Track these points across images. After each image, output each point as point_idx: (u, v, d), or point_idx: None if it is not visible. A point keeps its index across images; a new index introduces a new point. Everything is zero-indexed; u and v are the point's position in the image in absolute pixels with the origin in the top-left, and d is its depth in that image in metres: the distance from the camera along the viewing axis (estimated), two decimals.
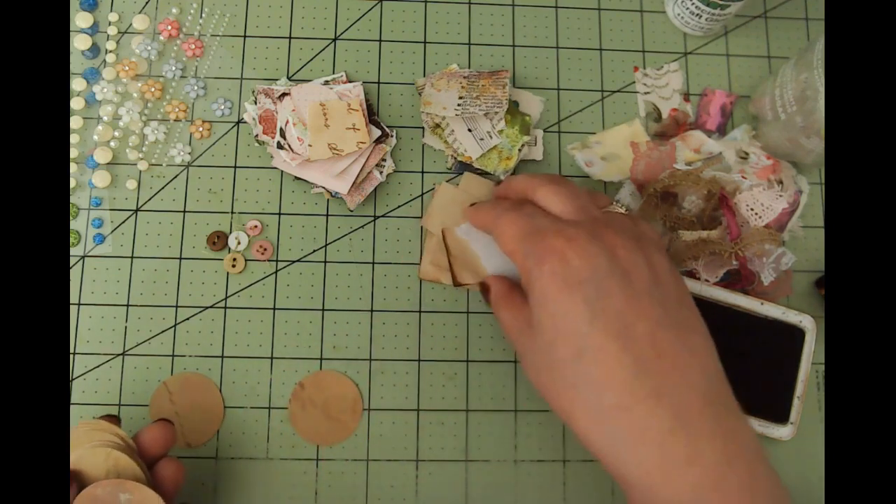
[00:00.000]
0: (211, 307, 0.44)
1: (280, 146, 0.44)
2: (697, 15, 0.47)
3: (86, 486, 0.33)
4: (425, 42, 0.49)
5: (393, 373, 0.44)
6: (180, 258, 0.45)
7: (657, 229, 0.45)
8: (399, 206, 0.46)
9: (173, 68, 0.47)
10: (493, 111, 0.45)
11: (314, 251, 0.45)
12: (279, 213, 0.46)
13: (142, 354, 0.44)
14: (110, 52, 0.47)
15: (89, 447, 0.34)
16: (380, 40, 0.48)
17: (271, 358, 0.44)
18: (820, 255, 0.47)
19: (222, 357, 0.44)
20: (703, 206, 0.45)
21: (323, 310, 0.45)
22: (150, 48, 0.47)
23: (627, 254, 0.33)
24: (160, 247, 0.45)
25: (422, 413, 0.44)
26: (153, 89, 0.46)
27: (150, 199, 0.45)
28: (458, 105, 0.45)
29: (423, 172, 0.47)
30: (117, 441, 0.34)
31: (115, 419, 0.36)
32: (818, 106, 0.41)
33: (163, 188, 0.46)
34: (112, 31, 0.47)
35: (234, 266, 0.45)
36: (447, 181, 0.47)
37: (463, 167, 0.46)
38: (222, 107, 0.47)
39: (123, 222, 0.45)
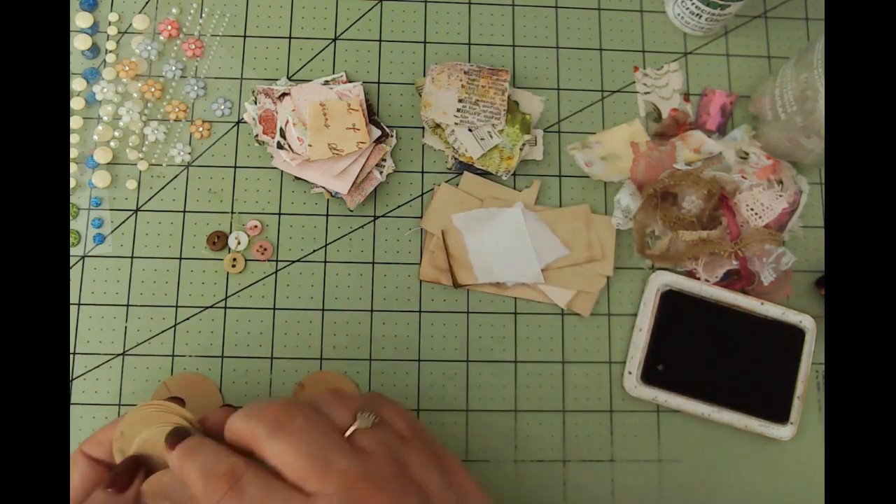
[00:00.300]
0: (211, 307, 0.44)
1: (280, 146, 0.44)
2: (697, 15, 0.47)
3: (153, 471, 0.31)
4: (425, 42, 0.49)
5: (393, 373, 0.44)
6: (180, 258, 0.45)
7: (660, 227, 0.45)
8: (399, 206, 0.46)
9: (173, 68, 0.47)
10: (491, 122, 0.45)
11: (314, 251, 0.45)
12: (279, 213, 0.46)
13: (142, 354, 0.44)
14: (110, 52, 0.47)
15: (158, 428, 0.31)
16: (380, 40, 0.48)
17: (271, 358, 0.44)
18: (820, 255, 0.47)
19: (222, 357, 0.44)
20: (703, 206, 0.45)
21: (323, 310, 0.45)
22: (150, 48, 0.47)
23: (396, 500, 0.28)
24: (160, 247, 0.45)
25: (422, 413, 0.44)
26: (153, 89, 0.46)
27: (150, 199, 0.45)
28: (458, 112, 0.45)
29: (423, 172, 0.47)
30: (185, 424, 0.32)
31: (180, 402, 0.34)
32: (818, 106, 0.41)
33: (163, 188, 0.46)
34: (112, 31, 0.47)
35: (234, 266, 0.45)
36: (447, 181, 0.47)
37: (463, 167, 0.47)
38: (222, 107, 0.47)
39: (123, 222, 0.45)
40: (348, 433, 0.30)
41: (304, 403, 0.31)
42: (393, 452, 0.30)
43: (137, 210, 0.45)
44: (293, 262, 0.45)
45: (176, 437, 0.31)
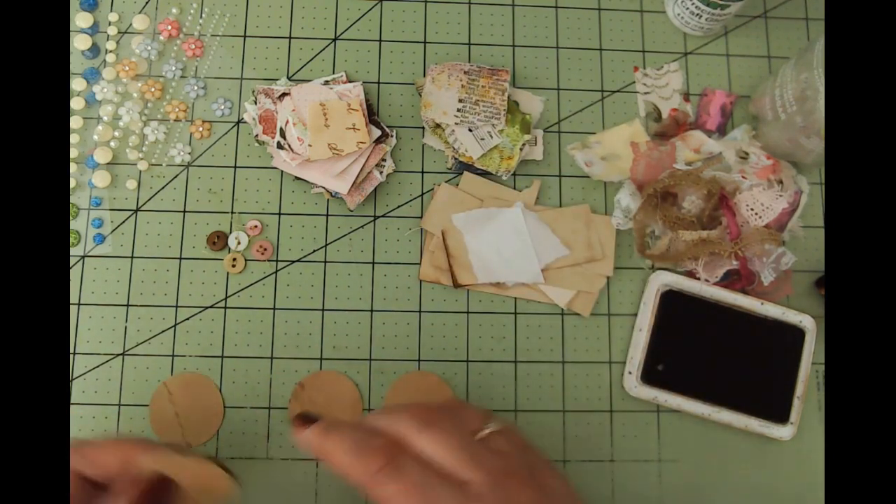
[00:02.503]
0: (211, 307, 0.44)
1: (280, 146, 0.44)
2: (697, 15, 0.47)
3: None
4: (425, 42, 0.49)
5: (393, 373, 0.44)
6: (180, 258, 0.45)
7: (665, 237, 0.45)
8: (399, 206, 0.46)
9: (173, 68, 0.47)
10: (490, 122, 0.45)
11: (314, 251, 0.45)
12: (279, 213, 0.46)
13: (142, 354, 0.44)
14: (110, 52, 0.47)
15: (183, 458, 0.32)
16: (380, 40, 0.48)
17: (271, 358, 0.44)
18: (820, 255, 0.47)
19: (222, 357, 0.44)
20: (703, 206, 0.45)
21: (323, 310, 0.45)
22: (150, 48, 0.47)
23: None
24: (160, 247, 0.45)
25: None
26: (153, 89, 0.46)
27: (150, 199, 0.45)
28: (458, 112, 0.45)
29: (423, 172, 0.47)
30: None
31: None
32: (818, 106, 0.41)
33: (163, 188, 0.46)
34: (112, 31, 0.47)
35: (234, 266, 0.45)
36: (447, 181, 0.47)
37: (463, 167, 0.47)
38: (222, 107, 0.47)
39: (123, 222, 0.45)
40: (481, 435, 0.32)
41: (441, 407, 0.33)
42: (522, 455, 0.31)
43: (137, 210, 0.45)
44: (293, 262, 0.45)
45: (305, 418, 0.32)
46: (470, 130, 0.46)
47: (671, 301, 0.45)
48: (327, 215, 0.46)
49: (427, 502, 0.29)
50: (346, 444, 0.30)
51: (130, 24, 0.47)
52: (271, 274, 0.45)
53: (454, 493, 0.29)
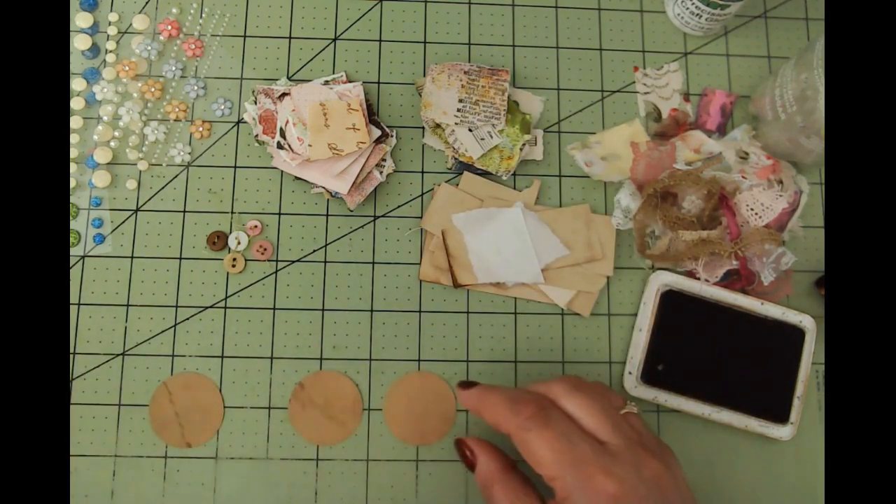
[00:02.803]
0: (211, 307, 0.44)
1: (280, 146, 0.44)
2: (697, 15, 0.47)
3: None
4: (425, 42, 0.49)
5: (393, 372, 0.44)
6: (180, 258, 0.45)
7: (660, 229, 0.45)
8: (399, 206, 0.46)
9: (173, 68, 0.47)
10: (490, 122, 0.45)
11: (314, 251, 0.45)
12: (279, 213, 0.46)
13: (142, 354, 0.44)
14: (110, 52, 0.47)
15: None
16: (380, 40, 0.48)
17: (271, 358, 0.44)
18: (820, 255, 0.47)
19: (222, 357, 0.44)
20: (703, 206, 0.45)
21: (323, 310, 0.45)
22: (150, 48, 0.47)
23: (667, 482, 0.34)
24: (160, 247, 0.45)
25: None
26: (153, 89, 0.46)
27: (150, 199, 0.45)
28: (458, 112, 0.45)
29: (423, 172, 0.47)
30: None
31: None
32: (818, 106, 0.41)
33: (163, 188, 0.46)
34: (112, 31, 0.47)
35: (234, 266, 0.45)
36: (447, 181, 0.47)
37: (463, 167, 0.47)
38: (222, 107, 0.47)
39: (123, 222, 0.45)
40: (623, 412, 0.36)
41: (589, 383, 0.37)
42: (652, 435, 0.36)
43: (137, 210, 0.45)
44: (293, 262, 0.45)
45: (467, 384, 0.38)
46: (470, 130, 0.46)
47: (671, 301, 0.45)
48: (327, 215, 0.46)
49: (568, 449, 0.33)
50: (503, 397, 0.35)
51: (130, 24, 0.47)
52: (271, 274, 0.45)
53: (594, 446, 0.33)
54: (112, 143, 0.46)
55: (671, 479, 0.34)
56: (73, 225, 0.45)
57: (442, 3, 0.49)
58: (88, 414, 0.43)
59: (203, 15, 0.48)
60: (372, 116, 0.46)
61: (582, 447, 0.33)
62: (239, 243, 0.45)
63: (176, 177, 0.46)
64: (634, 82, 0.49)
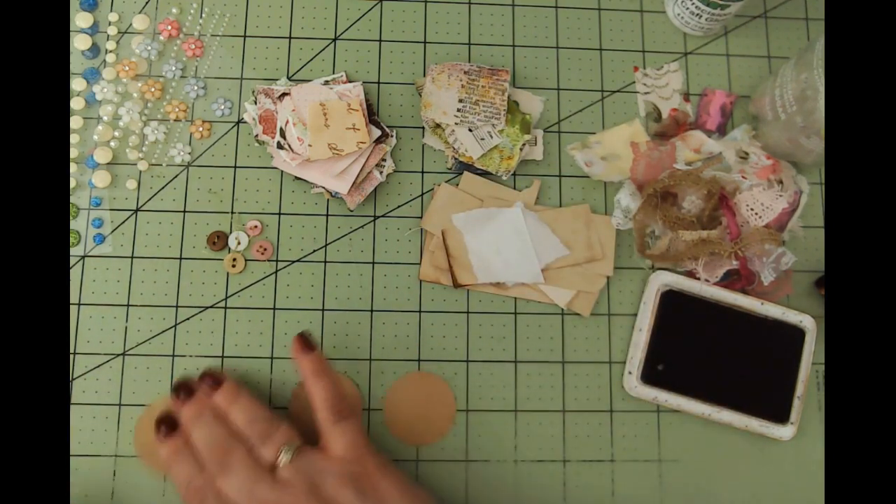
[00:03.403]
0: (211, 307, 0.44)
1: (280, 146, 0.44)
2: (697, 15, 0.47)
3: None
4: (425, 42, 0.49)
5: (393, 373, 0.44)
6: (180, 258, 0.45)
7: (659, 229, 0.45)
8: (399, 206, 0.46)
9: (173, 68, 0.47)
10: (490, 122, 0.45)
11: (314, 251, 0.45)
12: (279, 213, 0.46)
13: (142, 354, 0.44)
14: (110, 52, 0.47)
15: None
16: (380, 40, 0.48)
17: (271, 358, 0.44)
18: (820, 255, 0.47)
19: (222, 357, 0.44)
20: (703, 206, 0.45)
21: (323, 310, 0.45)
22: (150, 48, 0.47)
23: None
24: (160, 247, 0.45)
25: None
26: (153, 89, 0.46)
27: (150, 199, 0.45)
28: (458, 112, 0.45)
29: (423, 172, 0.47)
30: None
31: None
32: (818, 106, 0.41)
33: (163, 188, 0.46)
34: (112, 31, 0.47)
35: (234, 266, 0.45)
36: (447, 181, 0.47)
37: (463, 167, 0.47)
38: (222, 107, 0.47)
39: (123, 222, 0.45)
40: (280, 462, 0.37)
41: (239, 443, 0.37)
42: (309, 478, 0.36)
43: (137, 210, 0.45)
44: (293, 262, 0.45)
45: (308, 343, 0.41)
46: (470, 130, 0.46)
47: (671, 301, 0.45)
48: (327, 215, 0.46)
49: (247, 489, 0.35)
50: (331, 393, 0.39)
51: (130, 24, 0.47)
52: (271, 274, 0.45)
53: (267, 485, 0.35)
54: (112, 143, 0.46)
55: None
56: (73, 225, 0.45)
57: (442, 3, 0.49)
58: (88, 414, 0.43)
59: (203, 15, 0.48)
60: (372, 116, 0.46)
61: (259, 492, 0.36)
62: (239, 243, 0.45)
63: (176, 177, 0.46)
64: (634, 82, 0.49)
